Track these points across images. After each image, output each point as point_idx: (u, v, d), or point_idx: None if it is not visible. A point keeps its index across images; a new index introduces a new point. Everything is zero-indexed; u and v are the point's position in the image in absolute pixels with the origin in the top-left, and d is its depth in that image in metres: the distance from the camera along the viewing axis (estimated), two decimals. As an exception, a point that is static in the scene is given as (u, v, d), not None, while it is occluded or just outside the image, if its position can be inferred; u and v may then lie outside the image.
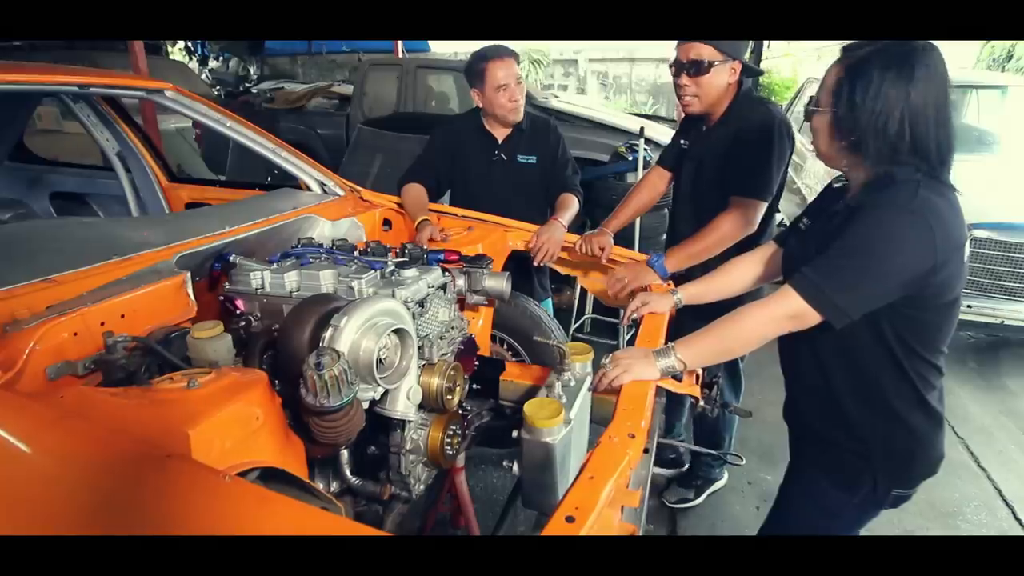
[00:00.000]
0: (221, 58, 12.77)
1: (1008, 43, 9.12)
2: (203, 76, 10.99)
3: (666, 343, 1.24)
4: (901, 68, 1.02)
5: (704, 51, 1.67)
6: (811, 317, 1.06)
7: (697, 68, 1.69)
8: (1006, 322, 3.09)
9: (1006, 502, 2.33)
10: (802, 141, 4.69)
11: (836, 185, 1.28)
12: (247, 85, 9.76)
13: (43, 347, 0.95)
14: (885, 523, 1.30)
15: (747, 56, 1.83)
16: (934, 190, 1.04)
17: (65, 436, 0.71)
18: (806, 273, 1.07)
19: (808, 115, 1.15)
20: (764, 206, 1.73)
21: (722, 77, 1.72)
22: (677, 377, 1.18)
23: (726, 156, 1.77)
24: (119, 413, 0.80)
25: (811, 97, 1.16)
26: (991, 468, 2.52)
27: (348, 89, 6.26)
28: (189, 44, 12.31)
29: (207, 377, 0.89)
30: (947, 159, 1.07)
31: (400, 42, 7.71)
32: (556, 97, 5.23)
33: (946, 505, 2.27)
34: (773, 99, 8.89)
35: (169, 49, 10.69)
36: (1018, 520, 2.24)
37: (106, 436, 0.72)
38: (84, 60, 6.47)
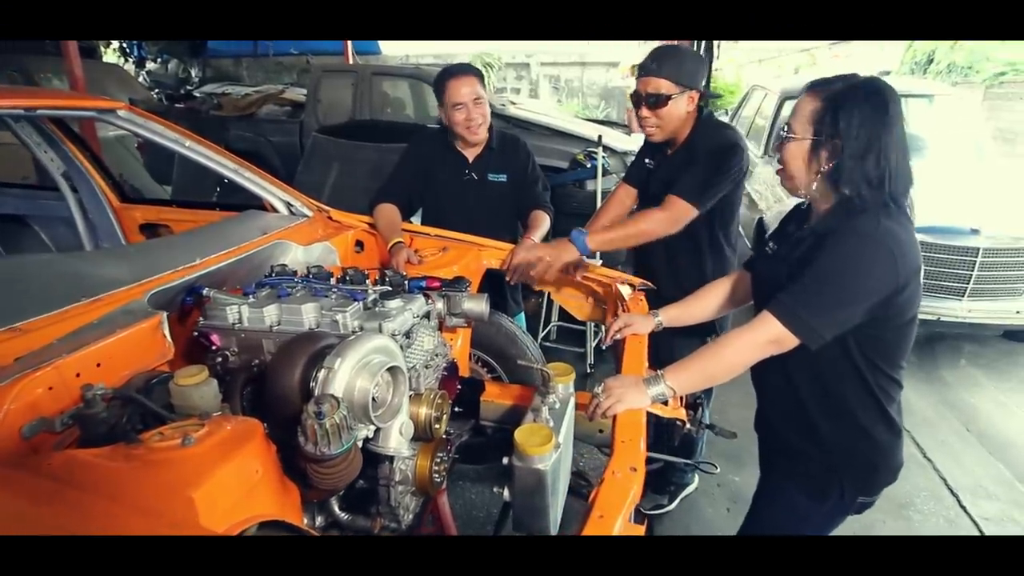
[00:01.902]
0: (160, 60, 12.17)
1: (929, 47, 9.74)
2: (140, 79, 10.46)
3: (650, 365, 1.28)
4: (877, 102, 1.10)
5: (662, 85, 1.76)
6: (790, 341, 1.12)
7: (656, 101, 1.78)
8: (941, 318, 3.31)
9: (951, 491, 2.50)
10: (752, 148, 4.89)
11: (800, 208, 1.35)
12: (189, 88, 9.36)
13: (18, 405, 0.90)
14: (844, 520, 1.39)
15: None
16: (893, 218, 1.12)
17: (64, 513, 0.67)
18: (783, 299, 1.13)
19: (781, 142, 1.21)
20: (695, 212, 1.77)
21: (680, 107, 1.80)
22: (664, 401, 1.22)
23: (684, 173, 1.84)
24: (114, 478, 0.77)
25: (783, 126, 1.21)
26: (936, 459, 2.70)
27: (300, 95, 6.11)
28: (124, 45, 11.68)
29: (202, 431, 0.86)
30: (908, 189, 1.16)
31: (350, 44, 7.57)
32: (513, 104, 5.26)
33: (898, 497, 2.42)
34: (717, 103, 9.21)
35: (103, 51, 10.12)
36: (963, 508, 2.41)
37: (108, 509, 0.69)
38: (11, 64, 6.07)
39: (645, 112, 1.81)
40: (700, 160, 1.80)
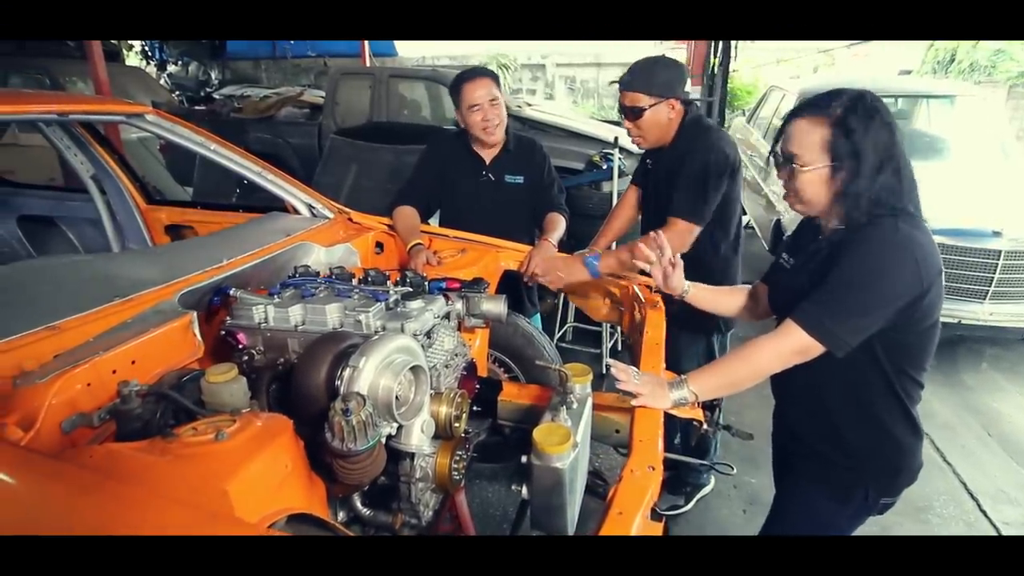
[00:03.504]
0: (180, 62, 12.38)
1: (951, 46, 9.60)
2: (162, 81, 10.65)
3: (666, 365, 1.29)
4: (880, 117, 1.11)
5: (636, 98, 1.81)
6: (815, 350, 1.13)
7: (632, 112, 1.83)
8: (962, 321, 3.28)
9: (971, 495, 2.47)
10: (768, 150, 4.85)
11: (811, 220, 1.35)
12: (208, 90, 9.52)
13: (58, 401, 0.94)
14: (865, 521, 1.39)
15: (715, 63, 1.93)
16: (910, 223, 1.12)
17: (106, 502, 0.71)
18: (806, 308, 1.13)
19: (792, 174, 1.18)
20: (698, 230, 1.82)
21: (660, 116, 1.83)
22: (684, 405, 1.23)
23: (674, 183, 1.87)
24: (151, 471, 0.80)
25: (785, 155, 1.19)
26: (956, 463, 2.67)
27: (318, 97, 6.19)
28: (146, 48, 11.90)
29: (233, 427, 0.89)
30: (915, 191, 1.16)
31: (367, 46, 7.65)
32: (529, 105, 5.28)
33: (917, 500, 2.40)
34: (735, 103, 9.16)
35: (125, 54, 10.32)
36: (983, 512, 2.38)
37: (146, 500, 0.72)
38: (35, 67, 6.23)
39: (627, 124, 1.89)
40: (686, 173, 1.82)
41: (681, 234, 1.81)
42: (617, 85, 1.88)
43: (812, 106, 1.17)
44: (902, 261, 1.08)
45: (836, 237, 1.18)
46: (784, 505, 1.42)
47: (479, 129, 2.07)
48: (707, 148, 1.82)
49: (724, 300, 1.54)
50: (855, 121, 1.11)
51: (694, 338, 2.03)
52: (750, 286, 1.55)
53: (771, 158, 1.26)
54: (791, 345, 1.14)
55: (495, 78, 2.10)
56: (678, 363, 2.00)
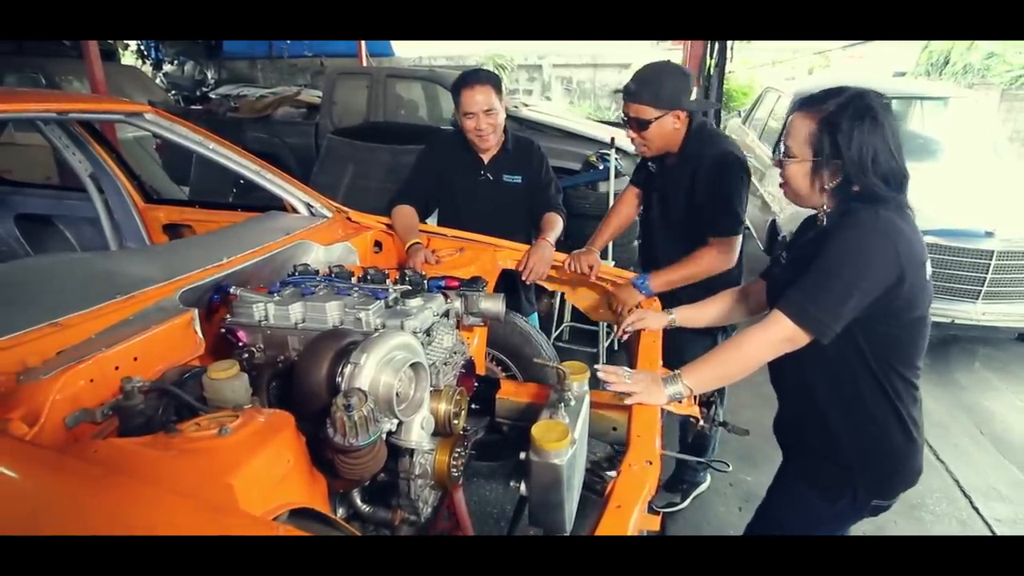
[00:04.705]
0: (176, 62, 12.35)
1: (946, 47, 9.66)
2: (158, 81, 10.62)
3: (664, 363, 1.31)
4: (871, 118, 1.13)
5: (642, 110, 1.79)
6: (802, 337, 1.15)
7: (639, 124, 1.81)
8: (956, 321, 3.30)
9: (964, 493, 2.50)
10: (764, 151, 4.88)
11: (810, 219, 1.38)
12: (204, 90, 9.50)
13: (62, 396, 0.94)
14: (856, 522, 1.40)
15: (711, 64, 1.92)
16: (894, 212, 1.14)
17: (112, 495, 0.72)
18: (791, 296, 1.16)
19: (781, 164, 1.25)
20: (740, 239, 1.85)
21: (666, 126, 1.82)
22: (680, 400, 1.24)
23: (689, 192, 1.87)
24: (156, 465, 0.81)
25: (778, 146, 1.24)
26: (948, 461, 2.70)
27: (315, 97, 6.19)
28: (142, 47, 11.87)
29: (236, 422, 0.90)
30: (905, 184, 1.19)
31: (364, 46, 7.65)
32: (526, 106, 5.29)
33: (911, 498, 2.42)
34: (731, 104, 9.20)
35: (121, 53, 10.28)
36: (975, 509, 2.41)
37: (152, 493, 0.73)
38: (31, 67, 6.20)
39: (631, 133, 1.87)
40: (709, 185, 1.82)
41: (730, 251, 1.83)
42: (622, 93, 1.85)
43: (810, 102, 1.20)
44: (883, 248, 1.10)
45: (823, 228, 1.21)
46: (775, 496, 1.44)
47: (472, 135, 2.09)
48: (722, 157, 1.80)
49: (714, 310, 1.57)
50: (843, 120, 1.13)
51: (700, 339, 2.02)
52: (739, 288, 1.57)
53: (775, 149, 1.30)
54: (778, 333, 1.16)
55: (496, 83, 2.07)
56: (682, 362, 1.99)
